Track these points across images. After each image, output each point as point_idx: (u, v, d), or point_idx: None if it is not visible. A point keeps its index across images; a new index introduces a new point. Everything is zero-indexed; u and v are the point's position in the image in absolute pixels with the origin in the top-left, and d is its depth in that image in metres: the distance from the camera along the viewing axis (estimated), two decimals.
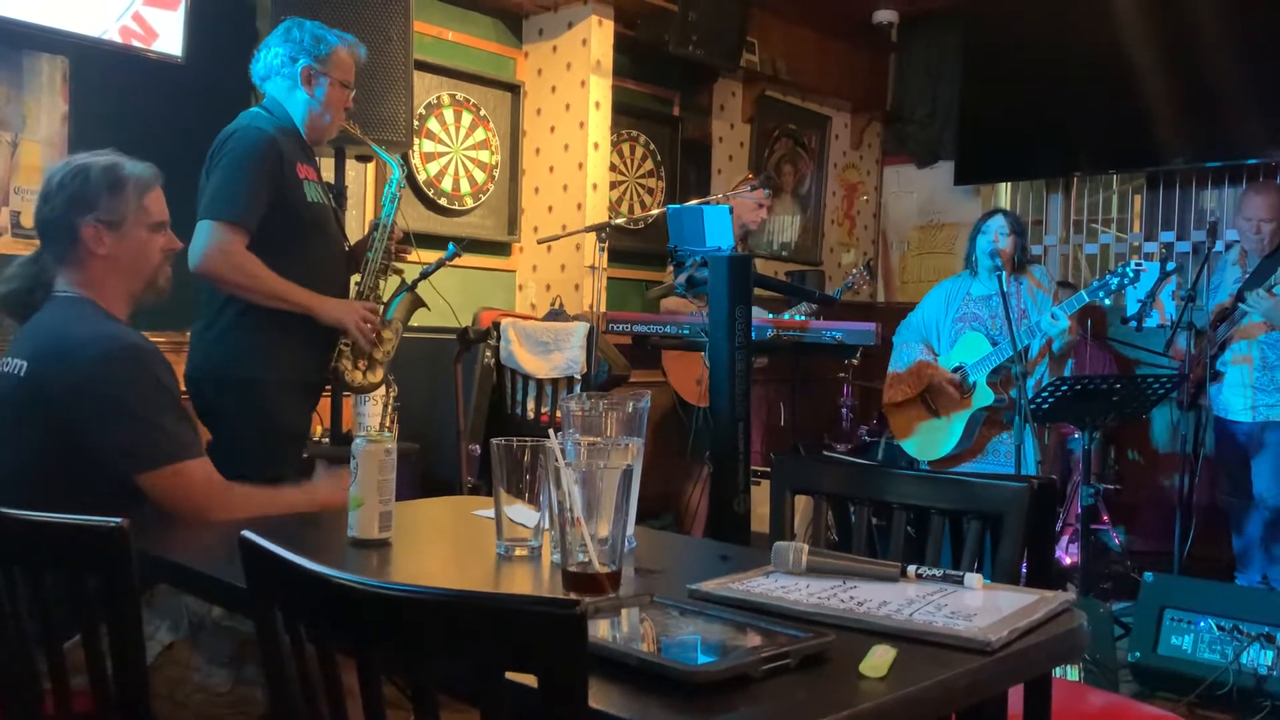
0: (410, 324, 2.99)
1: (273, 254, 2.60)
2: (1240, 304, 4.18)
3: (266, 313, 2.61)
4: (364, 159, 4.06)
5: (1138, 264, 3.96)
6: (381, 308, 2.88)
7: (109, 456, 1.86)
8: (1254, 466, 4.33)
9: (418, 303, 2.99)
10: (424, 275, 3.06)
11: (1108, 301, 3.98)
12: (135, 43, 3.59)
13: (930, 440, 4.22)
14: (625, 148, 5.48)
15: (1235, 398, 4.31)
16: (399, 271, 2.98)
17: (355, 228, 4.02)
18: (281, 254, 2.61)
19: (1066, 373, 4.32)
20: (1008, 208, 6.56)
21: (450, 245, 3.19)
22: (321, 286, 2.71)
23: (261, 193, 2.59)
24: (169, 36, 3.64)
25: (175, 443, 1.89)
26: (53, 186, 2.00)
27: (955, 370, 4.13)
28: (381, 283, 2.94)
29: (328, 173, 3.72)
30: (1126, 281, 3.92)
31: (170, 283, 2.14)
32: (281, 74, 2.75)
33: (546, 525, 1.59)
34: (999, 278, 3.99)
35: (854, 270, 5.49)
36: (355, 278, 2.95)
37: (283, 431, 2.72)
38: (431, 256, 3.18)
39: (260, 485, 2.04)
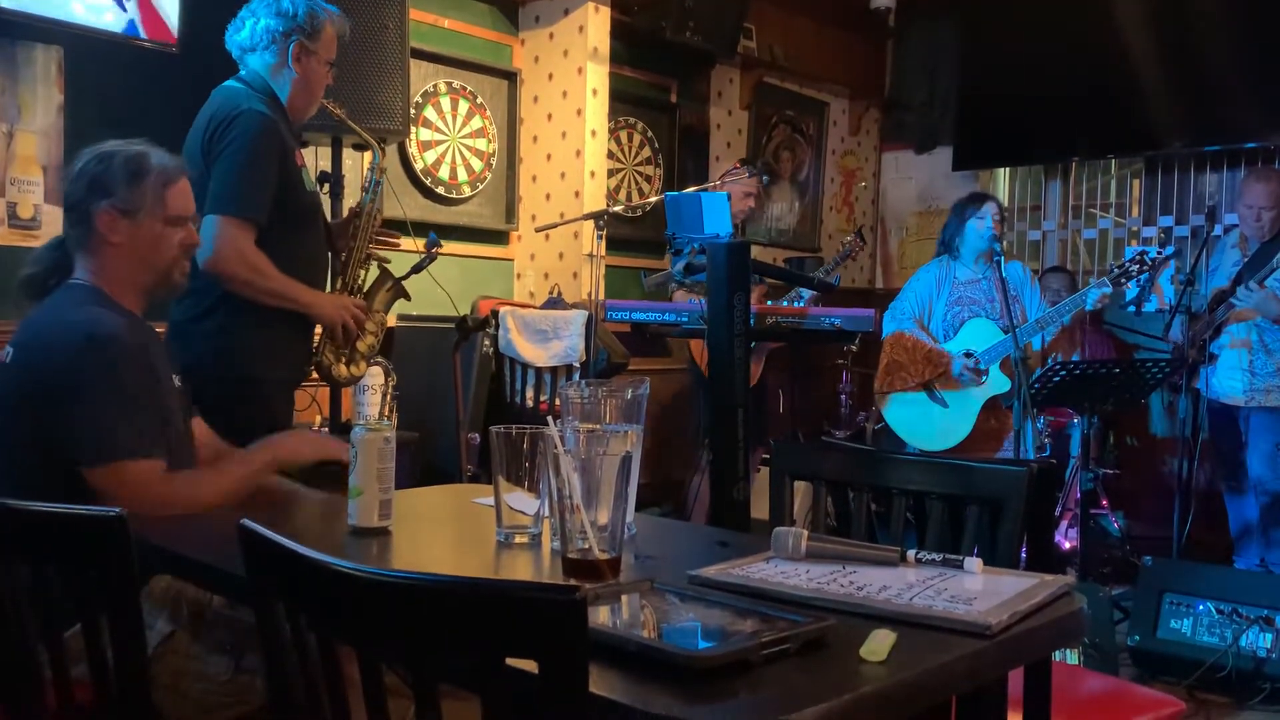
0: (409, 313, 2.98)
1: (270, 245, 2.53)
2: (1231, 299, 4.19)
3: (265, 306, 2.55)
4: (360, 147, 4.04)
5: (1157, 249, 4.05)
6: (361, 296, 2.86)
7: (64, 446, 1.82)
8: (1249, 450, 4.33)
9: (400, 293, 2.96)
10: (413, 271, 3.05)
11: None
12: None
13: (936, 429, 4.16)
14: (623, 135, 5.47)
15: (1231, 381, 4.31)
16: (378, 259, 2.93)
17: None
18: (279, 245, 2.55)
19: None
20: (1006, 193, 6.57)
21: (431, 234, 3.16)
22: (313, 278, 2.68)
23: (270, 185, 2.52)
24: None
25: (119, 441, 1.82)
26: (77, 169, 1.99)
27: (967, 356, 4.08)
28: (362, 273, 2.90)
29: (324, 161, 3.72)
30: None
31: (186, 279, 2.11)
32: (270, 50, 2.62)
33: (546, 512, 1.60)
34: (998, 264, 3.97)
35: (845, 239, 5.36)
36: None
37: (274, 428, 2.58)
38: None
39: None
